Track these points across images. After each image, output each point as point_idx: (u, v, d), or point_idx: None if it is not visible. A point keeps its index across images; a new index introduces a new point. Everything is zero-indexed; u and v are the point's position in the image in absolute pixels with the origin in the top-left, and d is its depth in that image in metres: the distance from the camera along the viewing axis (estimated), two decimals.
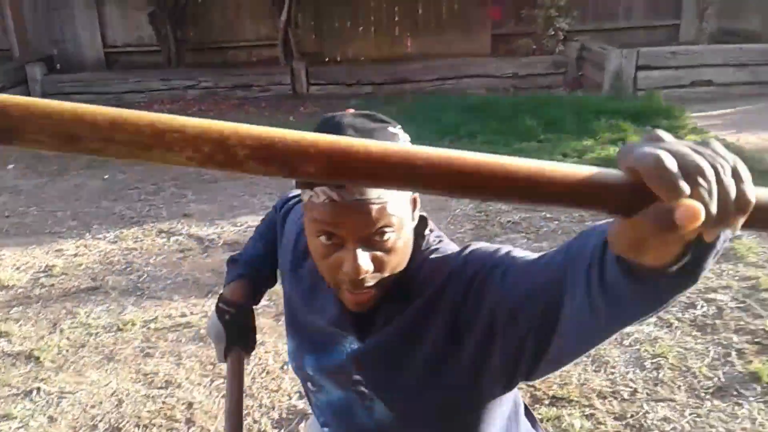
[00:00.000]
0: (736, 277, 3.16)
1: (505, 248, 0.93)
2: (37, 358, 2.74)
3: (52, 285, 3.39)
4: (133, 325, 2.97)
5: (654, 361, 2.58)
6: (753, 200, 0.44)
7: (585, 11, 7.98)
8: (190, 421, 2.34)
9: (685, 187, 0.42)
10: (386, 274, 0.91)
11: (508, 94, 7.05)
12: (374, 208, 0.85)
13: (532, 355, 0.81)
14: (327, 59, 8.27)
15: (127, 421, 2.35)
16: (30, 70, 7.39)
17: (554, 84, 7.34)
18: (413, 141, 0.86)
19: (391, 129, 0.91)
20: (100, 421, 2.36)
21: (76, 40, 8.08)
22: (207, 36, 8.22)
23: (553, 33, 7.39)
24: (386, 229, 0.87)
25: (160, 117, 0.42)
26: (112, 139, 0.41)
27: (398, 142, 0.89)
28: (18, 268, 3.60)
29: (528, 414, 1.17)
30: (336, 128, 0.88)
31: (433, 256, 0.97)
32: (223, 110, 7.09)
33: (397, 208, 0.88)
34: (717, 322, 2.82)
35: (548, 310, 0.76)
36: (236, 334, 1.23)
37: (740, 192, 0.43)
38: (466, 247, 0.96)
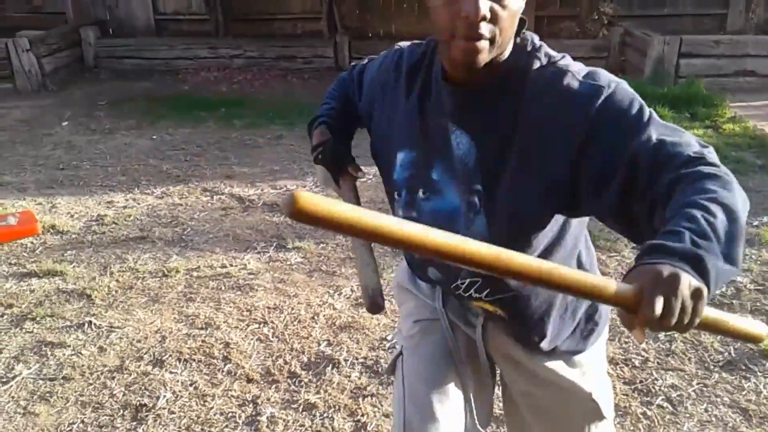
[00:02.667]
0: (758, 261, 3.23)
1: (637, 112, 1.03)
2: (89, 296, 2.97)
3: (104, 233, 3.62)
4: (177, 272, 3.18)
5: (668, 334, 2.68)
6: (687, 331, 0.82)
7: None
8: (226, 359, 2.54)
9: (655, 325, 0.78)
10: (497, 33, 1.05)
11: None
12: None
13: (588, 194, 1.05)
14: (370, 34, 8.37)
15: (170, 355, 2.56)
16: (84, 33, 7.66)
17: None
18: None
19: None
20: (145, 353, 2.58)
21: (128, 5, 8.32)
22: (254, 7, 8.38)
23: (596, 17, 7.37)
24: None
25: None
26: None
27: None
28: (72, 216, 3.84)
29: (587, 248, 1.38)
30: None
31: (566, 73, 1.09)
32: (268, 80, 7.27)
33: None
34: (734, 302, 2.90)
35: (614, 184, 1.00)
36: (333, 163, 1.37)
37: (684, 329, 0.80)
38: (597, 84, 1.06)
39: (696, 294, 0.77)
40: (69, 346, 2.62)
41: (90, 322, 2.77)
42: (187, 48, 7.74)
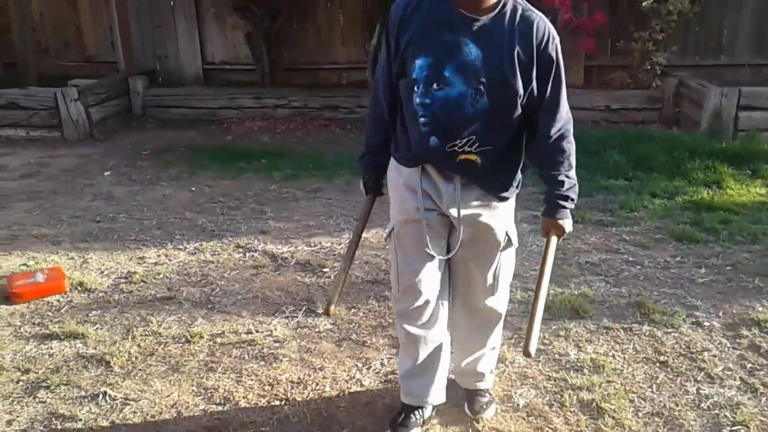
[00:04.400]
0: None
1: (562, 83, 1.95)
2: (108, 363, 2.84)
3: (131, 291, 3.52)
4: (201, 338, 3.03)
5: (734, 429, 2.39)
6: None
7: (684, 46, 7.67)
8: None
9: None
10: None
11: (599, 127, 6.83)
12: None
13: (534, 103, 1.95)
14: None
15: None
16: (132, 82, 7.80)
17: (648, 119, 7.06)
18: None
19: None
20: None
21: (177, 56, 8.47)
22: (300, 57, 8.43)
23: (649, 67, 7.14)
24: None
25: None
26: None
27: None
28: (102, 273, 3.76)
29: None
30: None
31: (532, 14, 1.89)
32: (310, 130, 7.23)
33: None
34: None
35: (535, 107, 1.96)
36: (365, 190, 2.32)
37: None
38: (554, 41, 1.89)
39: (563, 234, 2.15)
40: (80, 419, 2.48)
41: (105, 392, 2.63)
42: (233, 98, 7.78)
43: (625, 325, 3.10)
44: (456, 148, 1.94)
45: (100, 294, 3.50)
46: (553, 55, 1.88)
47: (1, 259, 3.97)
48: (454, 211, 2.07)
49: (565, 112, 1.98)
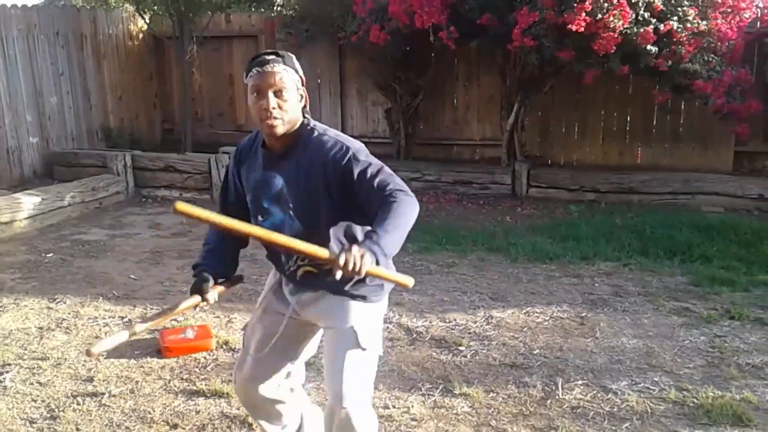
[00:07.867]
0: None
1: (370, 167, 1.99)
2: (250, 425, 2.89)
3: None
4: None
5: None
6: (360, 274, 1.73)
7: None
8: None
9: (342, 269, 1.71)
10: (284, 115, 2.00)
11: (752, 216, 6.40)
12: (277, 77, 1.99)
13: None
14: (550, 162, 8.22)
15: None
16: None
17: None
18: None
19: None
20: None
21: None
22: (435, 132, 8.62)
23: None
24: (283, 90, 1.99)
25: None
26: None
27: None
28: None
29: None
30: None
31: (324, 137, 2.05)
32: (442, 204, 7.28)
33: (290, 85, 2.01)
34: None
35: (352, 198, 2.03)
36: (192, 292, 2.20)
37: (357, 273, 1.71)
38: (348, 150, 2.01)
39: (362, 256, 1.71)
40: None
41: None
42: None
43: None
44: (292, 268, 2.16)
45: None
46: (350, 160, 1.97)
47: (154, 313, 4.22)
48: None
49: (389, 181, 1.94)
